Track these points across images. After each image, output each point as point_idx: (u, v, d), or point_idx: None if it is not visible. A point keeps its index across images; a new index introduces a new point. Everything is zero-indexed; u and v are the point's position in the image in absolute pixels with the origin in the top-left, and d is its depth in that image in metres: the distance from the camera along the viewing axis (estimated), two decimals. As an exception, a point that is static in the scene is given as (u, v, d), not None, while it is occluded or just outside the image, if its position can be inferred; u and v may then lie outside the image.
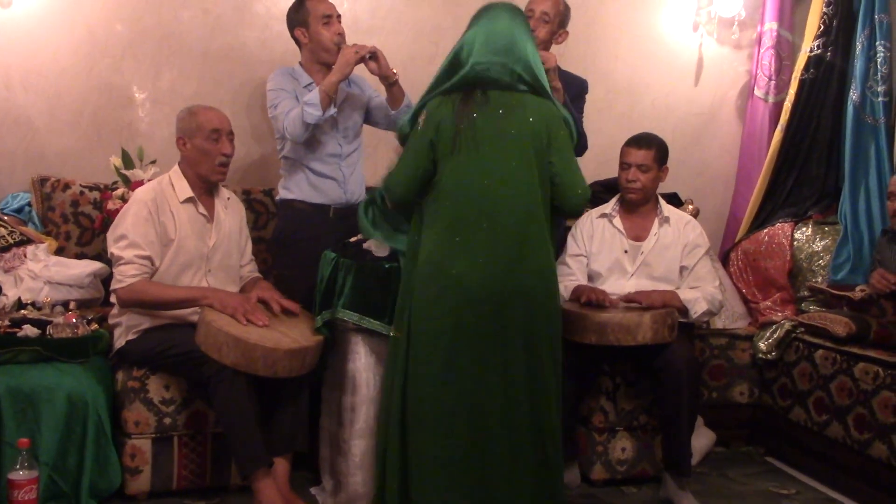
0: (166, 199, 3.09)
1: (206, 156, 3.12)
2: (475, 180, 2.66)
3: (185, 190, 3.13)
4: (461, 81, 2.72)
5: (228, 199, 3.32)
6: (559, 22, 3.60)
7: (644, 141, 3.53)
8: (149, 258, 3.01)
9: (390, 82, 3.42)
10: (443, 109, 2.71)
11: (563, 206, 2.80)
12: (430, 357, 2.66)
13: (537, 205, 2.70)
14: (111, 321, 3.19)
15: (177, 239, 3.07)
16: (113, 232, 3.07)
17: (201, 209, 3.16)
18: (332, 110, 3.33)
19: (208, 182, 3.18)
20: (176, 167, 3.19)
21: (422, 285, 2.71)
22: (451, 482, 2.63)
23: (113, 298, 3.12)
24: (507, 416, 2.63)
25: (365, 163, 3.71)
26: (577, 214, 2.97)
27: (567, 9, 3.64)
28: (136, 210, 3.04)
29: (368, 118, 3.66)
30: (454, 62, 2.76)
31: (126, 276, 2.98)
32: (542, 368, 2.68)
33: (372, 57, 3.33)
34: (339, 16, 3.48)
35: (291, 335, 2.93)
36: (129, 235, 3.00)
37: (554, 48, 3.60)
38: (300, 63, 3.55)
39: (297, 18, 3.48)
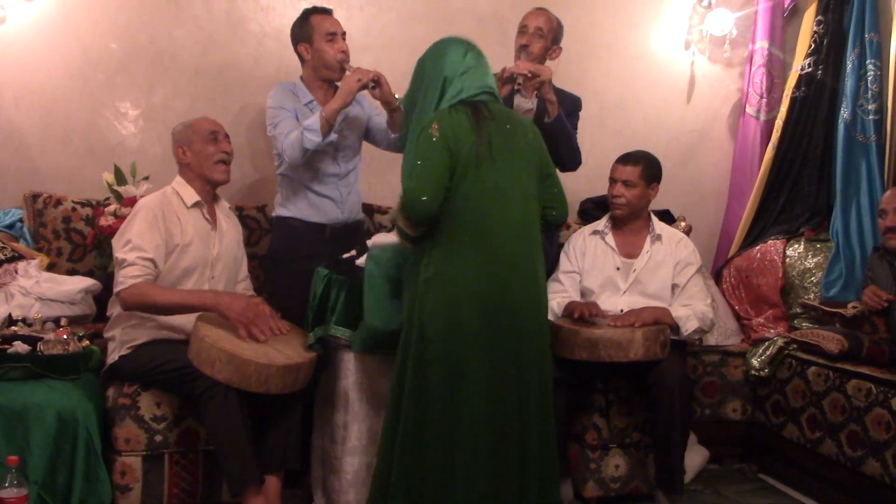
0: (172, 206, 3.12)
1: (206, 157, 3.16)
2: (493, 194, 2.66)
3: (191, 195, 3.16)
4: (459, 97, 2.73)
5: (229, 208, 3.36)
6: (553, 38, 3.63)
7: (631, 158, 3.55)
8: (152, 261, 3.01)
9: (392, 107, 3.41)
10: (456, 120, 2.66)
11: (555, 218, 2.86)
12: (448, 375, 2.60)
13: (538, 218, 2.77)
14: (105, 335, 3.18)
15: (181, 244, 3.08)
16: (119, 238, 3.07)
17: (207, 214, 3.19)
18: (332, 136, 3.33)
19: (213, 184, 3.21)
20: (178, 177, 3.21)
21: (436, 302, 2.63)
22: (468, 499, 2.59)
23: (110, 310, 3.11)
24: (523, 429, 2.63)
25: (363, 180, 3.71)
26: (558, 227, 3.09)
27: (560, 25, 3.66)
28: (142, 216, 3.05)
29: (368, 137, 3.66)
30: (441, 91, 2.76)
31: (128, 278, 2.97)
32: (533, 380, 2.67)
33: (375, 84, 3.33)
34: (343, 33, 3.47)
35: (285, 352, 2.91)
36: (134, 240, 3.01)
37: (547, 64, 3.62)
38: (301, 78, 3.55)
39: (300, 34, 3.48)
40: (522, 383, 2.64)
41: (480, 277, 2.62)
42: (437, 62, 2.80)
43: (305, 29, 3.46)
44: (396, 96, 3.38)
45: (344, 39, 3.47)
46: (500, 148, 2.68)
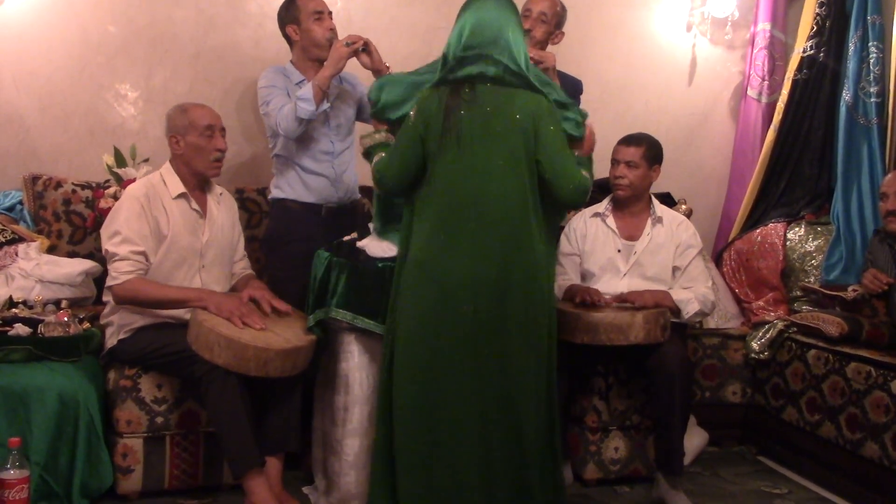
0: (158, 195, 3.08)
1: (200, 152, 3.11)
2: (463, 179, 2.65)
3: (177, 186, 3.12)
4: (447, 75, 2.70)
5: (221, 195, 3.31)
6: (556, 23, 3.62)
7: (634, 139, 3.54)
8: (143, 254, 3.00)
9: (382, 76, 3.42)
10: (431, 104, 2.69)
11: (558, 201, 2.75)
12: (412, 355, 2.66)
13: (526, 203, 2.67)
14: (103, 320, 3.18)
15: (170, 235, 3.06)
16: (106, 228, 3.05)
17: (194, 205, 3.15)
18: (325, 105, 3.33)
19: (203, 177, 3.18)
20: (167, 164, 3.18)
21: (407, 283, 2.71)
22: (431, 482, 2.62)
23: (107, 296, 3.10)
24: (483, 415, 2.62)
25: (358, 160, 3.69)
26: (576, 206, 3.00)
27: (564, 10, 3.65)
28: (128, 205, 3.03)
29: (361, 115, 3.66)
30: (444, 56, 2.75)
31: (122, 273, 2.97)
32: (523, 367, 2.65)
33: (364, 50, 3.34)
34: (329, 12, 3.49)
35: (284, 335, 2.92)
36: (123, 231, 2.99)
37: (549, 49, 3.61)
38: (291, 62, 3.55)
39: (288, 16, 3.48)
40: (506, 368, 2.63)
41: (446, 261, 2.63)
42: (457, 21, 2.76)
43: (292, 11, 3.47)
44: (387, 65, 3.39)
45: (331, 18, 3.49)
46: (473, 132, 2.64)
